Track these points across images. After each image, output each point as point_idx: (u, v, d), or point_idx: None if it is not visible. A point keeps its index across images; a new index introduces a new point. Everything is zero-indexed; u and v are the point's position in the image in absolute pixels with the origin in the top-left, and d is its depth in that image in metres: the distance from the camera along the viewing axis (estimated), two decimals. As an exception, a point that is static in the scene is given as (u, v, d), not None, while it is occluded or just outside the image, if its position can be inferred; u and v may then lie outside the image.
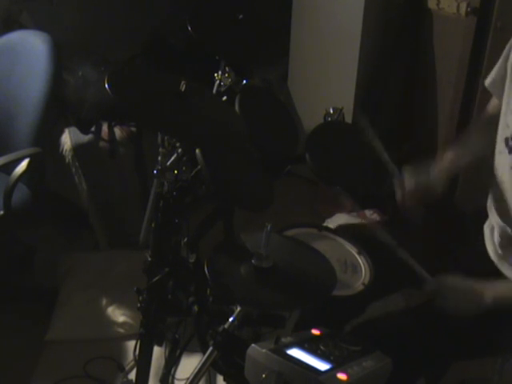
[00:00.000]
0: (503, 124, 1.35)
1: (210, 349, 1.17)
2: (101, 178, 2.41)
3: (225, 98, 1.52)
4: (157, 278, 1.33)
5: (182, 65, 2.64)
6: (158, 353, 1.52)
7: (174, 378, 1.51)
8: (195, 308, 1.29)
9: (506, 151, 1.33)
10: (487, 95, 1.50)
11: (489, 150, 1.41)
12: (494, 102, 1.47)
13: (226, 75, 1.52)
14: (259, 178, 1.37)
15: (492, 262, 1.40)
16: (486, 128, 1.46)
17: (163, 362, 1.54)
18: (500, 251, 1.38)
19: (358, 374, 0.97)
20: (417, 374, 1.38)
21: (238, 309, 1.15)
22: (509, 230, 1.33)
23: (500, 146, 1.36)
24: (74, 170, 2.36)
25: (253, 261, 1.12)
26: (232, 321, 1.15)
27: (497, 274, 1.37)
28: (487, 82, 1.46)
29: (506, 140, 1.33)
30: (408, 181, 1.45)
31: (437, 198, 1.45)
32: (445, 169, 1.48)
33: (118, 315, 2.12)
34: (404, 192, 1.45)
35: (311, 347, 1.02)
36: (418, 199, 1.45)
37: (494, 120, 1.40)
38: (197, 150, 1.22)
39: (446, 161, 1.49)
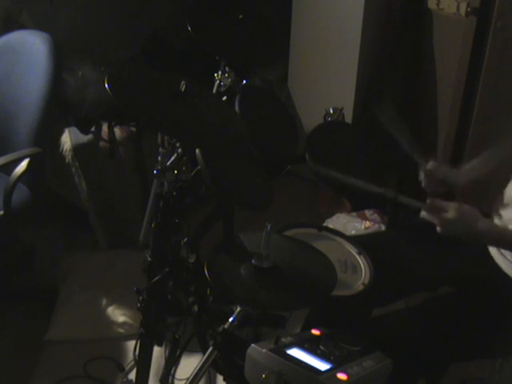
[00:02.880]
0: None
1: (210, 349, 1.17)
2: (101, 178, 2.41)
3: (225, 97, 1.52)
4: (157, 278, 1.33)
5: (182, 65, 2.64)
6: (157, 353, 1.52)
7: (173, 377, 1.51)
8: (195, 308, 1.28)
9: None
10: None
11: None
12: None
13: (226, 75, 1.52)
14: (259, 177, 1.37)
15: (492, 262, 1.41)
16: None
17: (163, 361, 1.54)
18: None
19: (358, 374, 0.97)
20: (417, 374, 1.38)
21: (238, 309, 1.15)
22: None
23: None
24: (73, 170, 2.36)
25: (253, 261, 1.12)
26: (232, 321, 1.15)
27: (497, 274, 1.38)
28: None
29: None
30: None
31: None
32: (471, 169, 1.47)
33: (118, 315, 2.12)
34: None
35: (311, 347, 1.02)
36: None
37: None
38: (197, 150, 1.22)
39: (474, 163, 1.49)
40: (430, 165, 1.45)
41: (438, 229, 1.29)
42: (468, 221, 1.30)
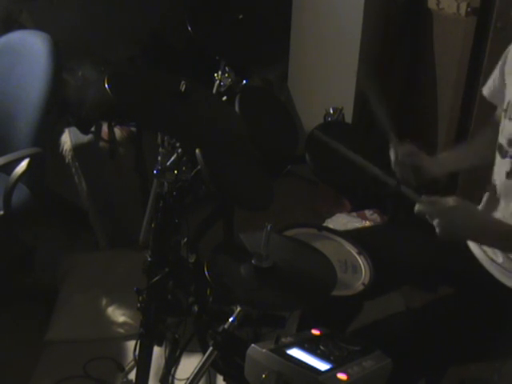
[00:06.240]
0: (500, 130, 1.36)
1: (210, 349, 1.17)
2: (101, 178, 2.41)
3: (225, 97, 1.52)
4: (157, 277, 1.33)
5: (181, 65, 2.64)
6: (158, 353, 1.52)
7: (173, 377, 1.51)
8: (195, 308, 1.28)
9: (499, 157, 1.34)
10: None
11: (490, 155, 1.40)
12: (499, 110, 1.46)
13: (226, 75, 1.52)
14: (259, 177, 1.37)
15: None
16: (490, 133, 1.45)
17: (163, 362, 1.54)
18: (488, 253, 1.38)
19: (358, 374, 0.97)
20: (417, 375, 1.38)
21: (238, 309, 1.15)
22: None
23: (496, 151, 1.37)
24: (73, 170, 2.36)
25: (253, 261, 1.12)
26: (232, 321, 1.15)
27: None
28: (486, 92, 1.47)
29: (500, 146, 1.34)
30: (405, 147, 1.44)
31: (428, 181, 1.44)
32: (446, 159, 1.47)
33: (118, 315, 2.12)
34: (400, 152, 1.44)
35: (311, 347, 1.02)
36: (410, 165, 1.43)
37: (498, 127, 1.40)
38: (197, 150, 1.22)
39: (449, 154, 1.48)
40: (403, 149, 1.43)
41: (436, 224, 1.19)
42: (470, 208, 1.20)
